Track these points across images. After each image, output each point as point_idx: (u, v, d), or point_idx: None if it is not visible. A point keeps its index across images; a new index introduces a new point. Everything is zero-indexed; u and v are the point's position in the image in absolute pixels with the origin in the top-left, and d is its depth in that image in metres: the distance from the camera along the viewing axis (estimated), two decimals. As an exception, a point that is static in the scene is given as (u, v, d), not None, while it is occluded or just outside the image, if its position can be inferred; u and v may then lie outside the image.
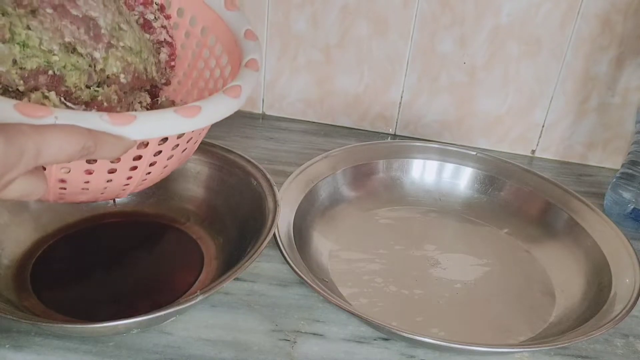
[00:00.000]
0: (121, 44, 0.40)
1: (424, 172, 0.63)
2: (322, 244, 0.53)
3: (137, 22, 0.45)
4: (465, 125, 0.74)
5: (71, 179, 0.35)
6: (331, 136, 0.74)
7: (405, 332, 0.40)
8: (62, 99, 0.37)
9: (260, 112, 0.77)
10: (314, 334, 0.43)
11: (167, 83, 0.48)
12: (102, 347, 0.40)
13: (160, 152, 0.37)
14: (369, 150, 0.62)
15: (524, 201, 0.60)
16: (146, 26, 0.46)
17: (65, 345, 0.40)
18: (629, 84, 0.68)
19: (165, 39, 0.47)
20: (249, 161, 0.52)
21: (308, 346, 0.42)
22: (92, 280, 0.46)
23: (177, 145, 0.38)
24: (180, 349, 0.41)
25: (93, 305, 0.44)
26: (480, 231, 0.58)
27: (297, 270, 0.43)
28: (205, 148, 0.54)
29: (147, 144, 0.35)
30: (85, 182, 0.36)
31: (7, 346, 0.39)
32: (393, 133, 0.76)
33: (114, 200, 0.52)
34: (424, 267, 0.52)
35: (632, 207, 0.59)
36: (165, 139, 0.37)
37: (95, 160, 0.35)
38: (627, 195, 0.60)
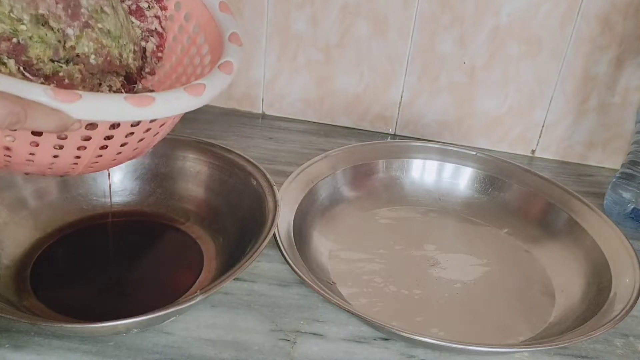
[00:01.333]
0: (99, 25, 0.39)
1: (424, 172, 0.63)
2: (322, 244, 0.53)
3: (129, 8, 0.45)
4: (465, 125, 0.74)
5: (16, 148, 0.34)
6: (331, 136, 0.74)
7: (405, 332, 0.40)
8: (21, 68, 0.36)
9: (260, 111, 0.77)
10: (314, 334, 0.43)
11: (152, 73, 0.48)
12: (102, 347, 0.40)
13: (112, 137, 0.36)
14: (369, 150, 0.62)
15: (524, 201, 0.60)
16: (138, 13, 0.45)
17: (65, 345, 0.40)
18: (629, 84, 0.68)
19: (156, 28, 0.47)
20: (248, 161, 0.52)
21: (308, 346, 0.42)
22: (92, 280, 0.46)
23: (132, 133, 0.37)
24: (180, 349, 0.41)
25: (93, 305, 0.44)
26: (480, 231, 0.58)
27: (297, 270, 0.43)
28: (205, 148, 0.54)
29: (97, 126, 0.34)
30: (30, 154, 0.35)
31: (6, 346, 0.39)
32: (393, 133, 0.76)
33: (110, 200, 0.53)
34: (424, 267, 0.52)
35: (632, 207, 0.59)
36: (118, 125, 0.35)
37: (41, 134, 0.34)
38: (627, 195, 0.60)
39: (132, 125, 0.36)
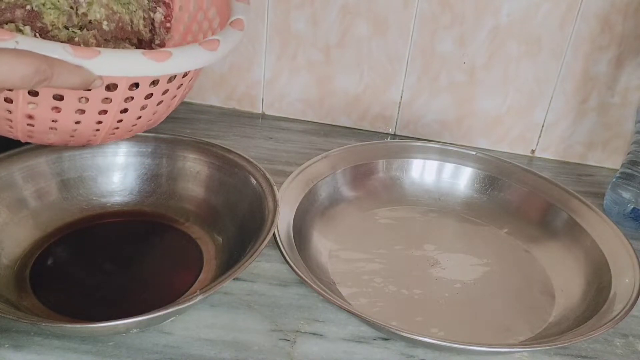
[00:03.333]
0: None
1: (423, 172, 0.63)
2: (322, 244, 0.53)
3: None
4: (465, 125, 0.74)
5: (39, 115, 0.35)
6: (331, 136, 0.74)
7: (405, 332, 0.40)
8: (37, 34, 0.37)
9: (260, 111, 0.77)
10: (314, 333, 0.43)
11: (162, 44, 0.48)
12: (101, 347, 0.40)
13: (132, 98, 0.37)
14: (368, 150, 0.62)
15: (524, 201, 0.60)
16: None
17: (65, 345, 0.40)
18: (629, 84, 0.68)
19: None
20: (248, 161, 0.52)
21: (308, 346, 0.42)
22: (92, 280, 0.46)
23: (151, 94, 0.37)
24: (180, 348, 0.41)
25: (93, 305, 0.44)
26: (480, 231, 0.58)
27: (297, 270, 0.43)
28: (205, 148, 0.54)
29: (117, 87, 0.35)
30: (53, 121, 0.36)
31: (6, 346, 0.39)
32: (393, 133, 0.76)
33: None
34: (424, 267, 0.52)
35: (632, 207, 0.59)
36: (136, 85, 0.36)
37: (63, 98, 0.35)
38: (626, 195, 0.60)
39: (150, 85, 0.37)
